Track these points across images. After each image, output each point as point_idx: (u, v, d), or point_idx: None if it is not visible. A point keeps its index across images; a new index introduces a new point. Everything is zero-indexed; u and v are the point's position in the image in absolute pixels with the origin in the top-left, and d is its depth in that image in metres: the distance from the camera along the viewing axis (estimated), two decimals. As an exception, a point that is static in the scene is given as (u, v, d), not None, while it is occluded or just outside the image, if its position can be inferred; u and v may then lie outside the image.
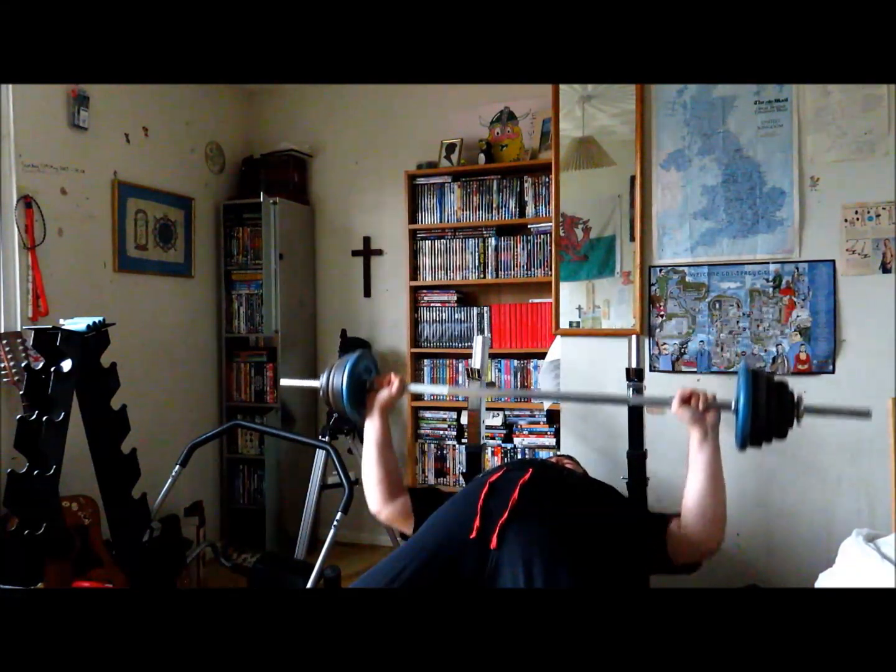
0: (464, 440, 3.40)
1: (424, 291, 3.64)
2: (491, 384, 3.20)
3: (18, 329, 2.61)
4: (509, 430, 3.44)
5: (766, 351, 2.26)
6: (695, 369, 2.32)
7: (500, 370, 3.47)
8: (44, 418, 2.12)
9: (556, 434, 3.23)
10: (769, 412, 1.49)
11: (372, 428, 1.79)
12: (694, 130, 2.32)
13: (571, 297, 2.46)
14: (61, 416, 2.15)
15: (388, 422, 1.81)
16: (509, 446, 3.41)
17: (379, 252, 3.86)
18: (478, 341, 2.62)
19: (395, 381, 1.78)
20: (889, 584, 1.30)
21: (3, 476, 2.16)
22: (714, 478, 1.59)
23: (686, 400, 1.61)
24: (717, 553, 1.64)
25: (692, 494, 1.60)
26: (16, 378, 2.40)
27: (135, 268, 3.24)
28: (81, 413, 2.36)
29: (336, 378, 1.75)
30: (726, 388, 2.28)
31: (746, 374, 1.54)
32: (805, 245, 2.21)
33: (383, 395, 1.79)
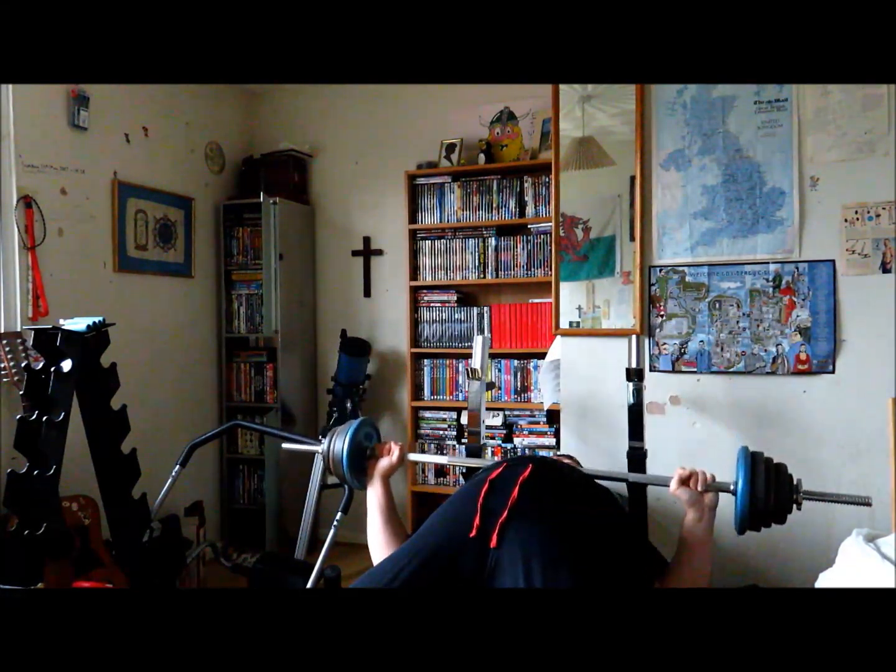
0: (464, 440, 3.40)
1: (424, 291, 3.64)
2: (491, 384, 3.20)
3: (18, 329, 2.62)
4: (509, 430, 3.44)
5: (766, 351, 2.26)
6: (695, 369, 2.32)
7: (500, 370, 3.47)
8: (44, 418, 2.12)
9: (556, 434, 3.23)
10: (768, 497, 1.49)
11: (374, 495, 1.79)
12: (694, 130, 2.32)
13: (571, 297, 2.46)
14: (61, 416, 2.15)
15: (389, 488, 1.81)
16: (509, 446, 3.41)
17: (379, 252, 3.86)
18: (478, 341, 2.62)
19: (396, 450, 1.80)
20: (889, 584, 1.30)
21: (3, 476, 2.16)
22: (700, 562, 1.58)
23: (685, 481, 1.59)
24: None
25: (677, 572, 1.58)
26: (16, 378, 2.40)
27: (135, 268, 3.24)
28: (81, 413, 2.36)
29: (337, 444, 1.79)
30: (726, 389, 2.29)
31: (746, 457, 1.54)
32: (805, 245, 2.21)
33: (384, 463, 1.80)
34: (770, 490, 1.50)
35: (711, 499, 1.59)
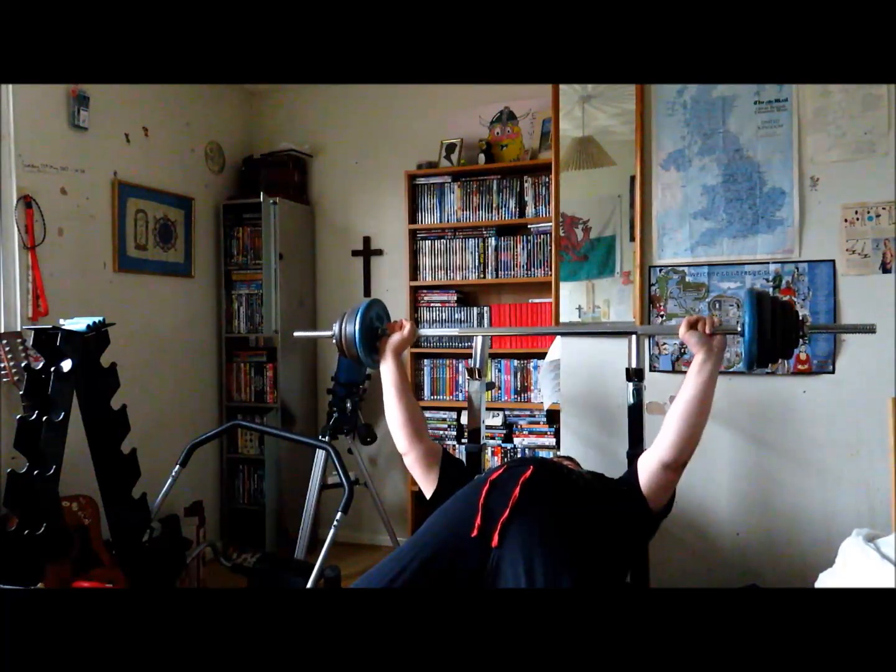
0: (464, 440, 3.40)
1: (424, 291, 3.64)
2: (491, 384, 3.20)
3: (18, 329, 2.61)
4: (509, 430, 3.44)
5: (766, 351, 2.25)
6: (695, 369, 2.32)
7: (499, 370, 3.47)
8: (44, 418, 2.12)
9: (556, 434, 3.23)
10: (775, 332, 1.54)
11: (388, 371, 1.87)
12: (694, 130, 2.32)
13: (571, 297, 2.46)
14: (61, 416, 2.15)
15: (402, 364, 1.89)
16: (509, 446, 3.41)
17: (379, 252, 3.86)
18: (478, 341, 2.61)
19: (407, 325, 1.89)
20: (889, 584, 1.30)
21: (3, 476, 2.16)
22: (704, 400, 1.64)
23: (693, 325, 1.66)
24: (711, 544, 1.66)
25: (677, 412, 1.64)
26: (16, 378, 2.40)
27: (135, 268, 3.24)
28: (81, 413, 2.36)
29: (348, 326, 1.85)
30: (726, 389, 2.29)
31: (752, 297, 1.58)
32: (805, 245, 2.21)
33: (395, 338, 1.88)
34: (776, 325, 1.54)
35: (719, 340, 1.66)
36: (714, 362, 1.64)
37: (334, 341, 1.90)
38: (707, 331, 1.64)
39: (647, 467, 1.66)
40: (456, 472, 1.82)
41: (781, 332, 1.54)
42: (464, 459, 2.29)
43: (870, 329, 1.61)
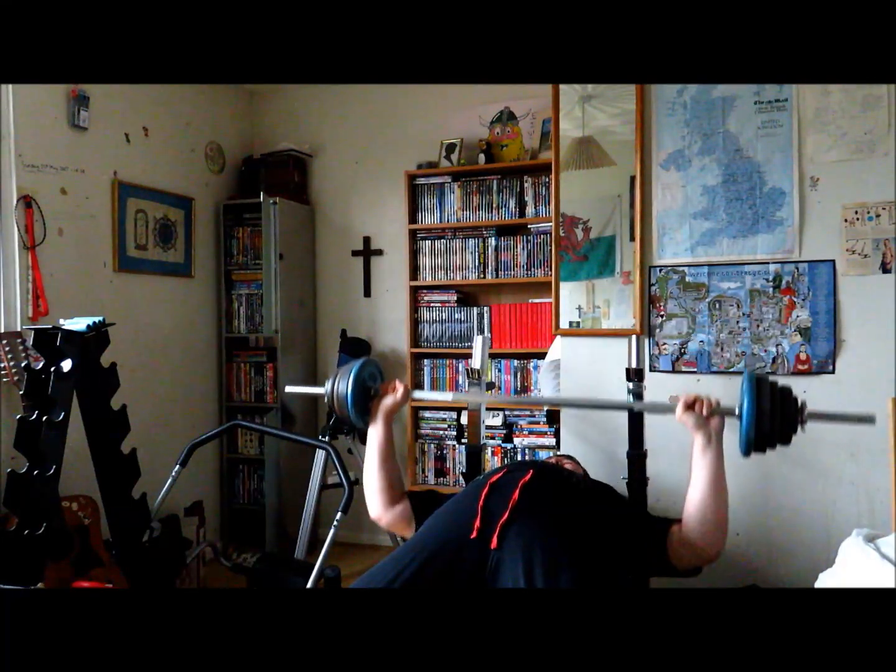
0: (464, 440, 3.40)
1: (424, 291, 3.63)
2: (491, 384, 3.20)
3: (18, 329, 2.61)
4: (509, 430, 3.44)
5: (766, 351, 2.26)
6: (695, 369, 2.32)
7: (500, 370, 3.47)
8: (44, 418, 2.12)
9: (556, 434, 3.23)
10: (773, 418, 1.49)
11: (375, 435, 1.79)
12: (694, 130, 2.32)
13: (571, 297, 2.46)
14: (61, 416, 2.15)
15: (391, 429, 1.82)
16: (509, 446, 3.41)
17: (379, 252, 3.86)
18: (478, 341, 2.62)
19: (400, 388, 1.79)
20: (889, 584, 1.30)
21: (3, 476, 2.16)
22: (716, 483, 1.59)
23: (690, 406, 1.60)
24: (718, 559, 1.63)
25: (694, 500, 1.59)
26: (16, 378, 2.40)
27: (135, 268, 3.24)
28: (81, 413, 2.36)
29: (341, 384, 1.76)
30: (726, 389, 2.29)
31: (751, 379, 1.53)
32: (805, 245, 2.21)
33: (388, 401, 1.79)
34: (775, 412, 1.50)
35: (717, 422, 1.60)
36: (716, 443, 1.60)
37: (325, 400, 1.81)
38: (704, 412, 1.59)
39: (678, 548, 1.60)
40: (429, 509, 1.73)
41: (780, 418, 1.50)
42: (464, 460, 2.29)
43: (869, 420, 1.56)
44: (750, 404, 1.50)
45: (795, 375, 2.22)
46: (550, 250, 2.58)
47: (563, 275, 2.47)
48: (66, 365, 2.20)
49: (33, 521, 2.10)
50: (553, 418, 3.29)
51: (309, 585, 2.52)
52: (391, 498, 1.77)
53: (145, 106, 3.30)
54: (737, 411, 1.54)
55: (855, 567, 1.43)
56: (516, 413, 3.44)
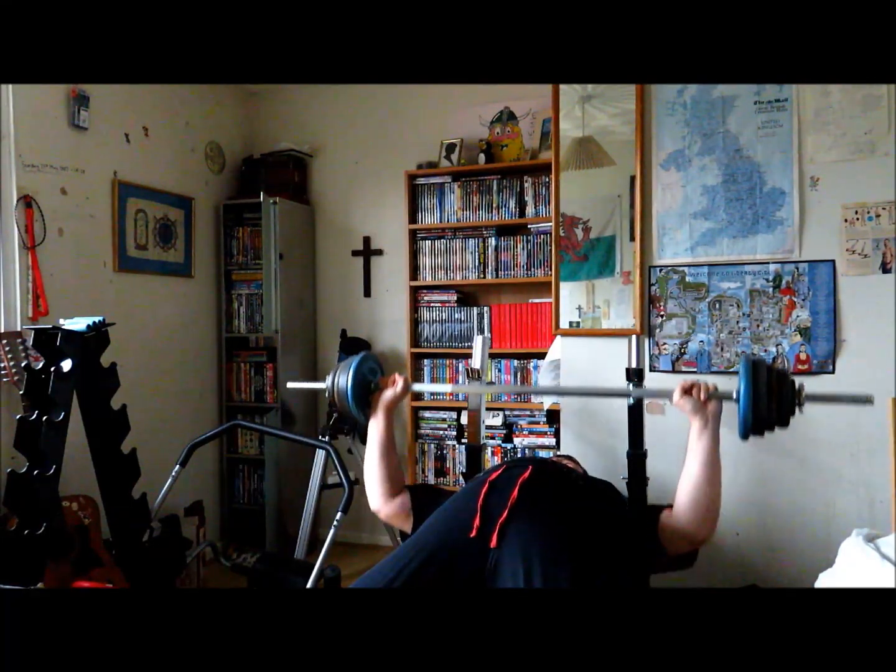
0: (464, 440, 3.40)
1: (424, 291, 3.63)
2: (491, 384, 3.20)
3: (18, 329, 2.61)
4: (509, 429, 3.44)
5: (766, 351, 2.26)
6: (695, 369, 2.32)
7: (499, 370, 3.47)
8: (44, 418, 2.12)
9: (556, 434, 3.23)
10: (770, 401, 1.51)
11: (375, 427, 1.82)
12: (694, 130, 2.32)
13: (571, 297, 2.46)
14: (61, 416, 2.15)
15: (392, 421, 1.84)
16: (509, 446, 3.41)
17: (379, 252, 3.86)
18: (478, 341, 2.62)
19: (400, 381, 1.81)
20: (889, 584, 1.30)
21: (3, 476, 2.16)
22: (711, 467, 1.61)
23: (687, 391, 1.63)
24: (710, 544, 1.65)
25: (688, 482, 1.61)
26: (16, 378, 2.40)
27: (135, 268, 3.24)
28: (81, 413, 2.36)
29: (341, 379, 1.79)
30: (726, 389, 2.28)
31: (747, 363, 1.56)
32: (805, 245, 2.21)
33: (388, 394, 1.82)
34: (773, 394, 1.51)
35: (715, 407, 1.62)
36: (712, 428, 1.61)
37: (326, 394, 1.85)
38: (702, 397, 1.61)
39: (669, 533, 1.62)
40: (428, 503, 1.76)
41: (777, 401, 1.52)
42: (464, 459, 2.29)
43: (867, 400, 1.59)
44: (747, 387, 1.52)
45: (795, 375, 2.21)
46: (550, 250, 2.58)
47: (563, 275, 2.47)
48: (66, 365, 2.20)
49: (33, 521, 2.10)
50: (553, 418, 3.29)
51: (309, 585, 2.52)
52: (391, 490, 1.79)
53: (145, 106, 3.30)
54: (734, 395, 1.56)
55: (855, 567, 1.43)
56: (516, 413, 3.44)
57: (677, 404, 1.64)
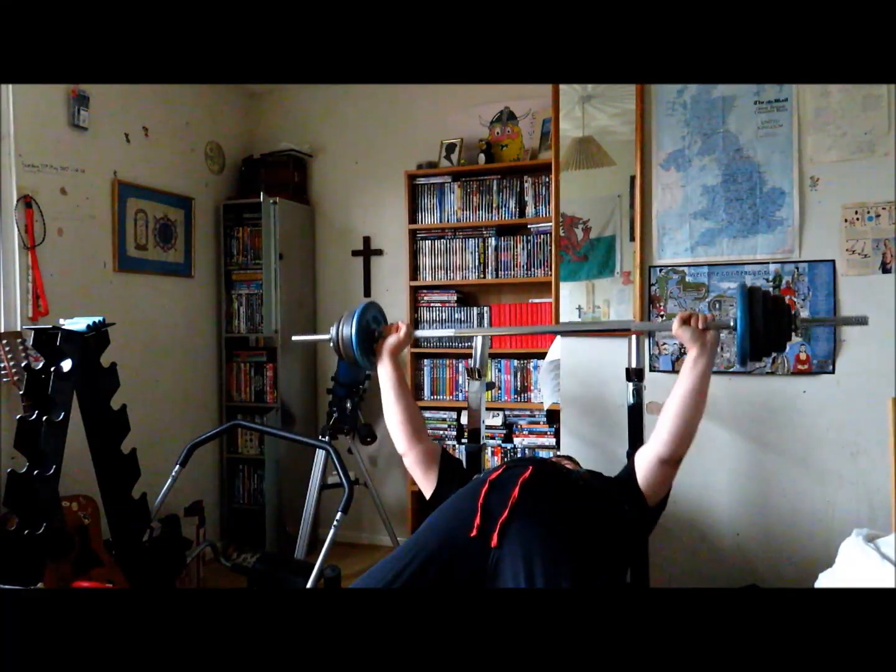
0: (464, 440, 3.40)
1: (424, 291, 3.63)
2: (491, 384, 3.20)
3: (18, 329, 2.61)
4: (509, 430, 3.44)
5: (766, 351, 2.25)
6: (695, 369, 2.32)
7: (499, 370, 3.47)
8: (44, 418, 2.12)
9: (556, 434, 3.23)
10: (767, 326, 1.56)
11: (385, 372, 1.90)
12: (694, 130, 2.32)
13: (571, 297, 2.46)
14: (61, 416, 2.15)
15: (399, 366, 1.91)
16: (509, 446, 3.41)
17: (379, 252, 3.86)
18: (478, 341, 2.61)
19: (403, 327, 1.91)
20: (889, 584, 1.30)
21: (3, 476, 2.16)
22: (700, 393, 1.65)
23: (686, 320, 1.68)
24: (710, 544, 1.66)
25: (676, 405, 1.65)
26: (16, 378, 2.40)
27: (135, 268, 3.24)
28: (81, 413, 2.36)
29: (345, 328, 1.88)
30: (726, 389, 2.29)
31: (743, 290, 1.59)
32: (805, 245, 2.21)
33: (391, 340, 1.91)
34: (769, 318, 1.56)
35: (712, 335, 1.67)
36: (707, 357, 1.66)
37: (331, 345, 1.92)
38: (700, 326, 1.66)
39: (644, 463, 1.68)
40: (455, 472, 1.83)
41: (774, 325, 1.56)
42: (463, 459, 2.29)
43: (862, 321, 1.62)
44: (743, 312, 1.56)
45: (795, 375, 2.22)
46: (550, 250, 2.58)
47: (563, 275, 2.47)
48: (66, 365, 2.20)
49: (33, 521, 2.10)
50: (553, 418, 3.29)
51: (309, 585, 2.52)
52: (416, 431, 1.86)
53: (145, 106, 3.30)
54: (731, 323, 1.61)
55: (855, 567, 1.43)
56: (516, 413, 3.44)
57: (676, 334, 1.69)
